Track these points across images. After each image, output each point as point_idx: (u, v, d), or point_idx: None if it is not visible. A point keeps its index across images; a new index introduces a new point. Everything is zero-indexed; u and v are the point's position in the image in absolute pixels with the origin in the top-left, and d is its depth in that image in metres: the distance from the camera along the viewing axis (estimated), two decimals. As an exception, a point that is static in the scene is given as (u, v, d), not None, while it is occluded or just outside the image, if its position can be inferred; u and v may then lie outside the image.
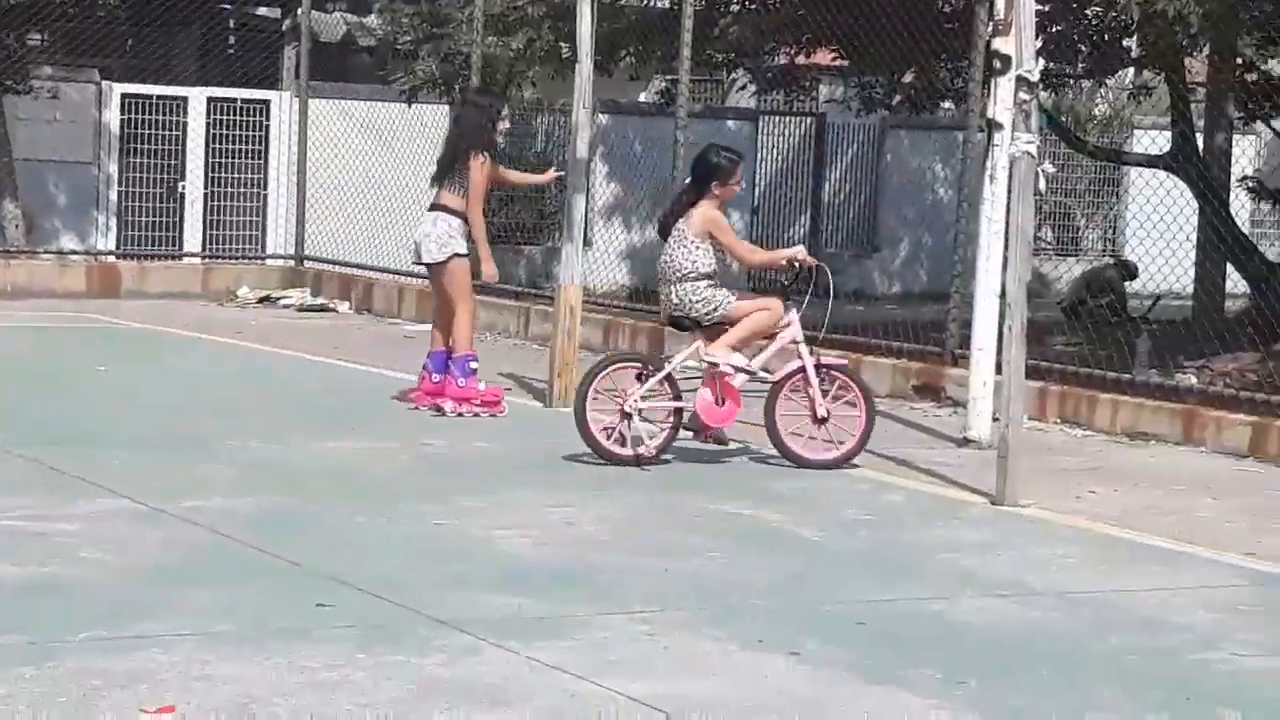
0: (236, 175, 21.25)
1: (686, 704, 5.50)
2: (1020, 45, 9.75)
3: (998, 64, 10.65)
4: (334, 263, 19.90)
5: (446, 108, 20.25)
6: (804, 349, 9.91)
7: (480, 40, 17.78)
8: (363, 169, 20.46)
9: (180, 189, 21.08)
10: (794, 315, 10.00)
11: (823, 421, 9.89)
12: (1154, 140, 17.20)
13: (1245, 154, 17.81)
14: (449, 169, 11.51)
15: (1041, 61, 10.26)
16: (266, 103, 21.29)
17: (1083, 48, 15.73)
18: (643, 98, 23.10)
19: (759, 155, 22.67)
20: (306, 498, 8.56)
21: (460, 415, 11.30)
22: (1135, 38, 15.30)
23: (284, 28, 21.75)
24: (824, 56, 18.95)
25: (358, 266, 19.51)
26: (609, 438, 9.70)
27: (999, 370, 10.05)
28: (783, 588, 7.19)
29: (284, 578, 6.97)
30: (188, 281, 19.47)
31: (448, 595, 6.71)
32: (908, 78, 17.65)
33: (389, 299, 18.49)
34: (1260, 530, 8.87)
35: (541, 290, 17.72)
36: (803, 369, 9.86)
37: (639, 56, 18.46)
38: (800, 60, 18.88)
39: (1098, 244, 23.82)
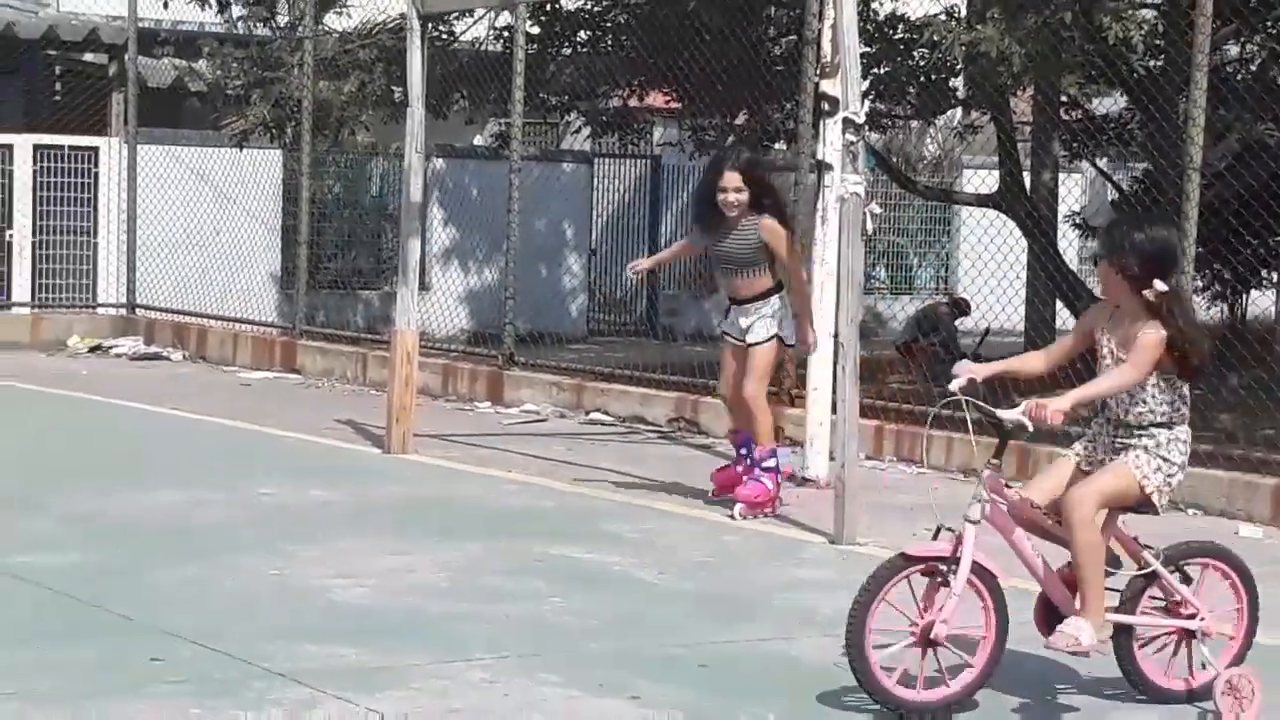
0: (66, 223, 20.90)
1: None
2: (846, 87, 9.84)
3: (826, 106, 10.77)
4: (166, 310, 19.66)
5: (278, 152, 20.11)
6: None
7: (311, 84, 17.69)
8: (194, 215, 20.25)
9: (8, 237, 20.71)
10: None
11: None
12: (983, 179, 17.45)
13: (1071, 192, 18.12)
14: None
15: (868, 103, 10.42)
16: (95, 149, 20.99)
17: (910, 89, 15.94)
18: (478, 141, 23.08)
19: (595, 198, 22.73)
20: (138, 550, 8.41)
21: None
22: (961, 78, 15.53)
23: (111, 73, 21.48)
24: (657, 99, 19.07)
25: (191, 314, 19.28)
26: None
27: (835, 409, 10.12)
28: (623, 631, 7.17)
29: (115, 633, 6.84)
30: (16, 331, 19.15)
31: (284, 647, 6.62)
32: (740, 120, 17.80)
33: (223, 346, 18.29)
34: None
35: (379, 335, 17.61)
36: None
37: (472, 100, 18.46)
38: (634, 103, 18.98)
39: (930, 282, 24.12)
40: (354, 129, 18.84)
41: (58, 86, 22.64)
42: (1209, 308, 17.25)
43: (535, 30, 17.31)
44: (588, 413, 14.29)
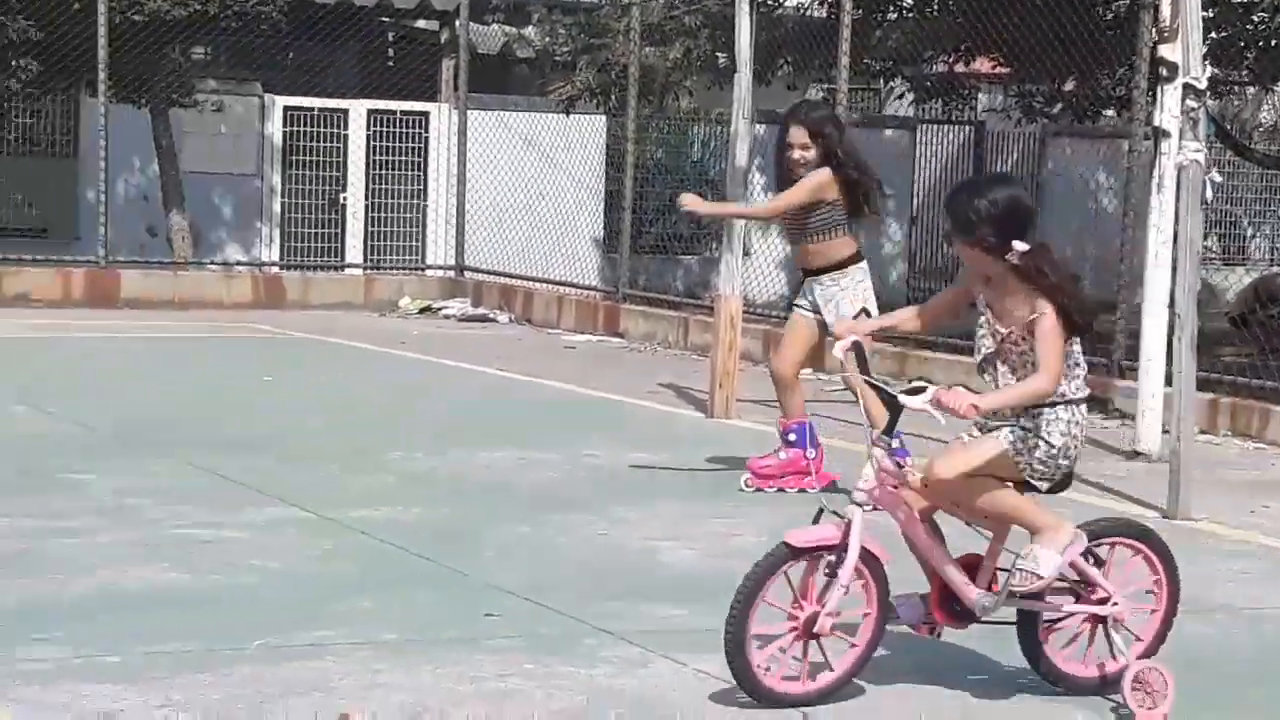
0: (396, 186, 21.48)
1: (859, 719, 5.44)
2: (1187, 52, 9.60)
3: (1164, 71, 10.48)
4: (493, 273, 20.04)
5: (602, 118, 20.35)
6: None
7: (638, 50, 17.84)
8: (521, 179, 20.60)
9: (341, 200, 21.34)
10: None
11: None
12: (1324, 147, 16.86)
13: None
14: None
15: (1209, 68, 10.13)
16: (426, 114, 21.50)
17: (1249, 54, 15.47)
18: (800, 107, 23.03)
19: (917, 164, 22.53)
20: (470, 508, 8.60)
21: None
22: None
23: (442, 40, 21.95)
24: (983, 64, 18.82)
25: (517, 277, 19.63)
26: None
27: (1168, 382, 9.91)
28: (951, 601, 7.09)
29: (451, 587, 7.00)
30: (350, 292, 19.70)
31: (613, 606, 6.71)
32: (1069, 85, 17.47)
33: (548, 309, 18.58)
34: None
35: (699, 300, 17.71)
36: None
37: (796, 66, 18.44)
38: (959, 68, 18.75)
39: (1267, 253, 23.42)
40: (677, 94, 18.97)
41: (390, 53, 23.22)
42: None
43: (861, -5, 17.23)
44: (910, 381, 14.14)
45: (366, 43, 22.50)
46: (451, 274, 20.46)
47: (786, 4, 18.76)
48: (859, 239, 9.27)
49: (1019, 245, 5.45)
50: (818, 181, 8.92)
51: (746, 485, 9.28)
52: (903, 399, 5.45)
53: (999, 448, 5.55)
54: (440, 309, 19.27)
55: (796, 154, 8.94)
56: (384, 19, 22.70)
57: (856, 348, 5.76)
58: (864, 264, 9.16)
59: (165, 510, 8.18)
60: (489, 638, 6.21)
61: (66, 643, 5.94)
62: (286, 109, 21.22)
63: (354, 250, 21.34)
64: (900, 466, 5.65)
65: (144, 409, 11.56)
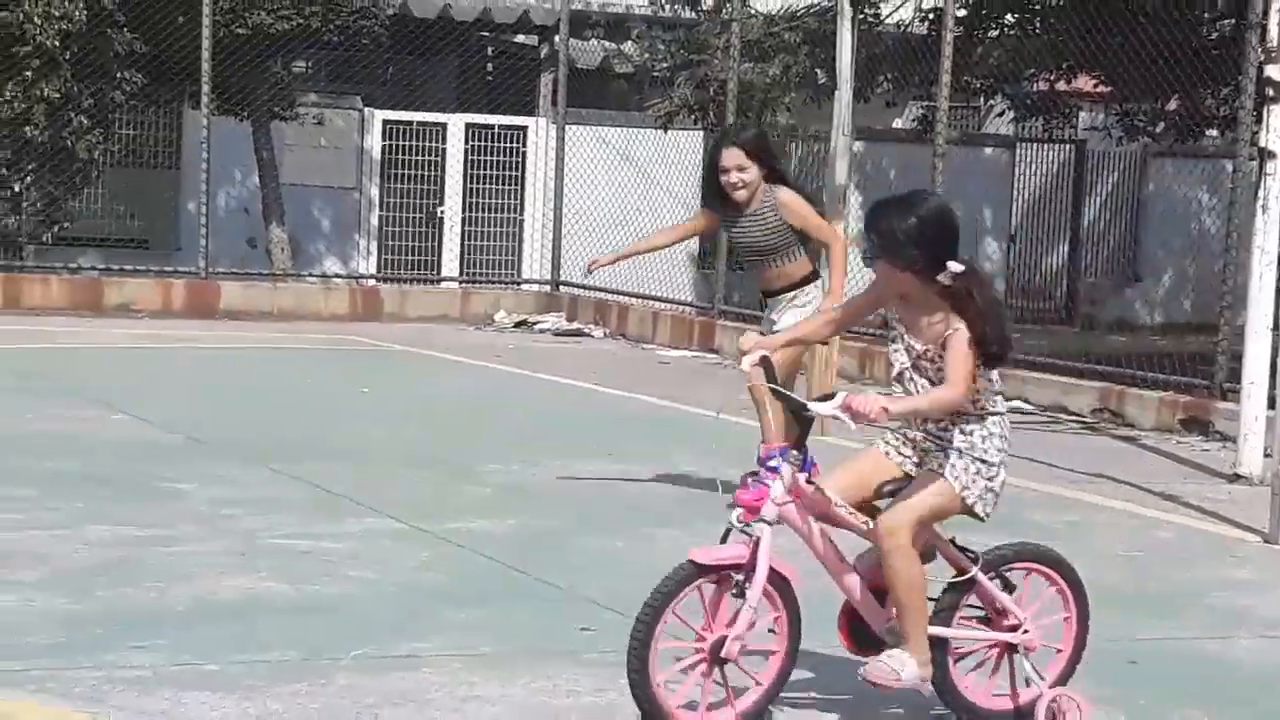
0: (493, 200, 21.56)
1: (955, 740, 5.41)
2: (1295, 72, 9.50)
3: (1270, 91, 10.38)
4: (588, 288, 20.06)
5: (699, 134, 20.36)
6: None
7: (736, 66, 17.83)
8: (617, 194, 20.62)
9: (439, 214, 21.44)
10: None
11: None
12: None
13: None
14: None
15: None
16: (524, 129, 21.57)
17: (1357, 73, 15.28)
18: (896, 124, 22.97)
19: (1016, 182, 22.40)
20: (565, 520, 8.60)
21: None
22: None
23: (542, 55, 22.02)
24: (1085, 82, 18.70)
25: (612, 292, 19.64)
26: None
27: (1271, 405, 9.78)
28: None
29: (546, 600, 7.00)
30: (446, 305, 19.79)
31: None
32: (1172, 105, 17.33)
33: (643, 325, 18.59)
34: None
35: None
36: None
37: (896, 83, 18.39)
38: (1060, 86, 18.64)
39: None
40: (776, 111, 18.96)
41: (489, 67, 23.33)
42: None
43: (962, 13, 17.15)
44: (1007, 400, 14.06)
45: (466, 57, 22.62)
46: (547, 288, 20.51)
47: (887, 21, 18.70)
48: (815, 259, 9.11)
49: (954, 266, 5.22)
50: (800, 201, 8.83)
51: (739, 521, 8.87)
52: (814, 406, 5.28)
53: (946, 489, 5.37)
54: (535, 323, 19.33)
55: (734, 176, 8.74)
56: (484, 34, 22.81)
57: (764, 362, 5.57)
58: (819, 282, 8.97)
59: (262, 520, 8.24)
60: (585, 651, 6.21)
61: (165, 650, 5.98)
62: (385, 123, 21.36)
63: (450, 264, 21.43)
64: (810, 480, 5.42)
65: (241, 419, 11.65)
